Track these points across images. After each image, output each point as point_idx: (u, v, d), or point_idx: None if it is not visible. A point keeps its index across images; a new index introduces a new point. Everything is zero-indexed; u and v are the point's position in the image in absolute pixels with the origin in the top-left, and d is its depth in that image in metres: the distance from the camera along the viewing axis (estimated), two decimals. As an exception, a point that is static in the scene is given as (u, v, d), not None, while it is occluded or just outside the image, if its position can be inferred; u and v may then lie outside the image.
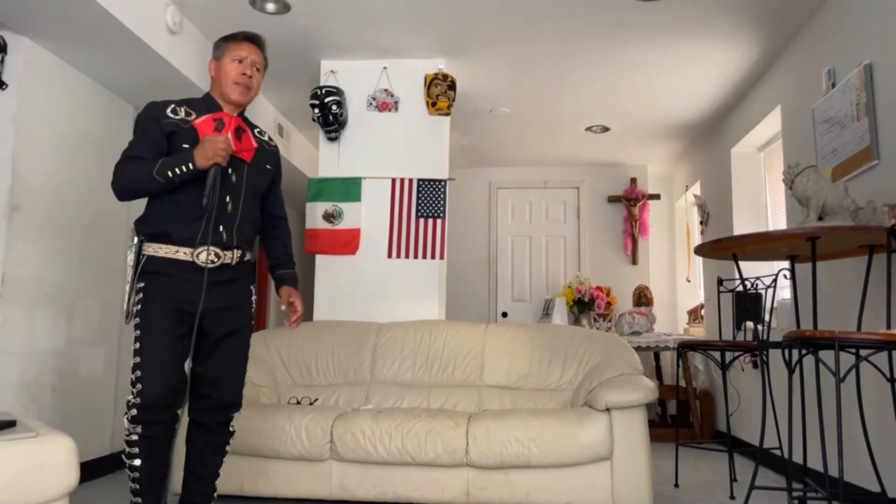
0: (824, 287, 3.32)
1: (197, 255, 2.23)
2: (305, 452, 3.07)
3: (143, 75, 3.71)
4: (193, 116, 2.30)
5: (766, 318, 3.39)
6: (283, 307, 2.49)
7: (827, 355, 2.53)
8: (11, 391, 3.18)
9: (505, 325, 3.90)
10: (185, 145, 2.23)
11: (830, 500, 2.43)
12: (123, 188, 2.23)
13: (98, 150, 3.84)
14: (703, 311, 5.90)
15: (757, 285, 3.47)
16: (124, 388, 4.08)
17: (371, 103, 4.33)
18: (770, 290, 3.35)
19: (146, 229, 2.24)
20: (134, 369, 2.16)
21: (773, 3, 3.54)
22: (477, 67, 4.41)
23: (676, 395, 4.38)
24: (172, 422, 2.21)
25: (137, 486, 2.15)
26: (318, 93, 4.13)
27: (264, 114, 5.00)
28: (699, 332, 5.87)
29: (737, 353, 3.71)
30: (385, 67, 4.35)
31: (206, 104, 2.37)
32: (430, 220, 4.19)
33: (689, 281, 6.55)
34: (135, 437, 2.14)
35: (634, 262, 6.59)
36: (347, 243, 4.20)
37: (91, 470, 3.68)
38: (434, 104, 4.24)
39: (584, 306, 6.10)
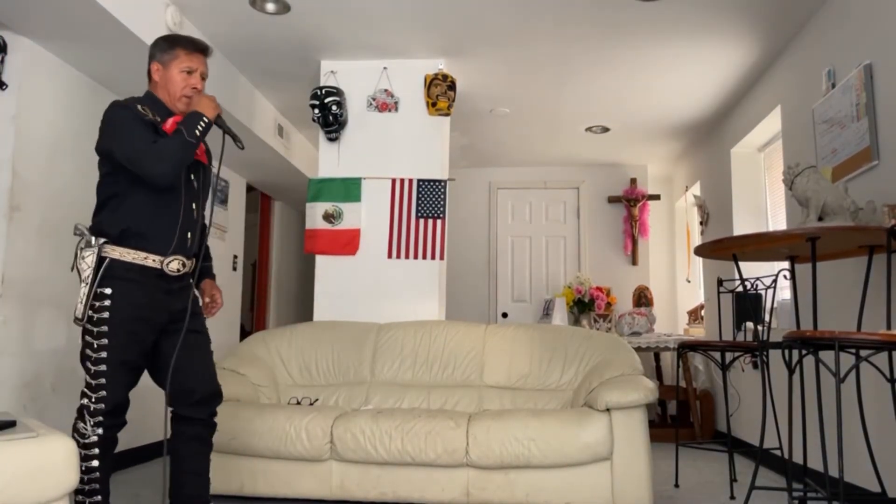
0: (824, 287, 3.32)
1: (167, 265, 2.23)
2: (305, 452, 3.07)
3: (142, 75, 3.68)
4: (158, 119, 2.30)
5: (766, 318, 3.39)
6: (207, 300, 2.51)
7: (827, 356, 2.53)
8: (11, 391, 3.18)
9: (505, 325, 3.90)
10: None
11: (830, 500, 2.43)
12: (172, 166, 2.17)
13: (98, 151, 3.84)
14: (703, 312, 5.90)
15: (757, 286, 3.48)
16: (124, 389, 4.08)
17: (371, 103, 4.33)
18: (770, 291, 3.35)
19: (112, 231, 2.18)
20: (97, 376, 2.13)
21: (773, 3, 3.54)
22: (477, 67, 4.42)
23: (676, 396, 4.38)
24: (125, 422, 2.25)
25: (97, 486, 2.15)
26: (318, 93, 4.13)
27: (264, 114, 5.00)
28: (699, 333, 5.87)
29: (737, 354, 3.71)
30: (385, 67, 4.35)
31: (159, 107, 2.33)
32: (430, 221, 4.19)
33: (689, 281, 6.55)
34: (94, 439, 2.14)
35: (634, 262, 6.59)
36: (347, 243, 4.20)
37: (91, 470, 3.68)
38: (434, 104, 4.24)
39: (584, 307, 6.10)
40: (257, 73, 4.55)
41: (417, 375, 3.71)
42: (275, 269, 6.87)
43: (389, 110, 4.32)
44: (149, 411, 4.38)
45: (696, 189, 6.08)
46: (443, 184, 4.23)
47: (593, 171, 6.77)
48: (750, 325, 4.09)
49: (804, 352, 2.38)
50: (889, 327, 2.42)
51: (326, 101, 4.11)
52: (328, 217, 4.24)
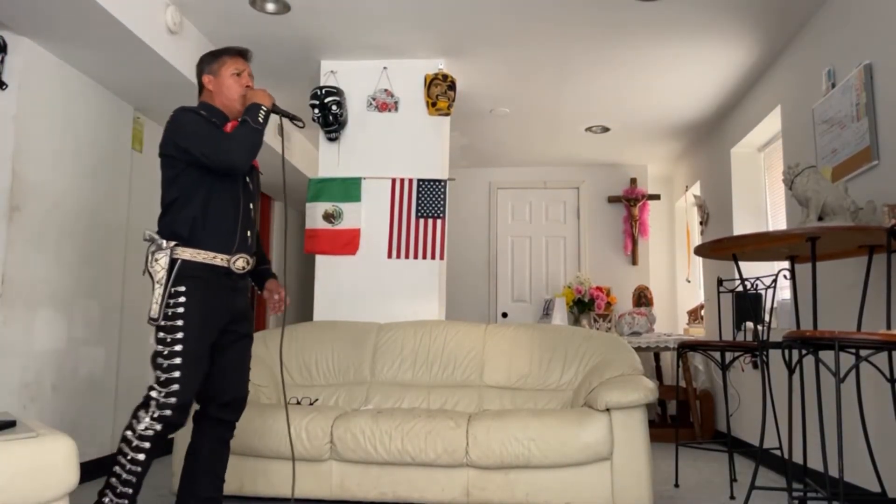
0: (824, 287, 3.32)
1: (234, 262, 2.33)
2: (305, 452, 3.07)
3: (142, 75, 3.71)
4: (217, 123, 2.40)
5: (766, 318, 3.39)
6: (276, 298, 2.61)
7: (827, 355, 2.53)
8: (11, 391, 3.18)
9: (505, 325, 3.90)
10: None
11: (830, 500, 2.43)
12: (246, 152, 2.29)
13: (98, 151, 3.84)
14: (703, 312, 5.90)
15: (757, 285, 3.48)
16: (124, 388, 4.09)
17: (371, 103, 4.33)
18: (770, 291, 3.35)
19: (182, 232, 2.28)
20: (171, 369, 2.21)
21: (773, 3, 3.54)
22: (477, 67, 4.42)
23: (676, 396, 4.38)
24: (184, 425, 2.30)
25: (133, 479, 2.18)
26: (318, 93, 4.13)
27: (264, 114, 4.99)
28: (699, 333, 5.87)
29: (737, 354, 3.71)
30: (385, 67, 4.35)
31: (217, 114, 2.45)
32: (430, 221, 4.19)
33: (689, 281, 6.55)
34: (151, 433, 2.19)
35: (634, 262, 6.59)
36: (347, 243, 4.20)
37: (91, 470, 3.68)
38: (434, 104, 4.24)
39: (584, 307, 6.10)
40: (257, 73, 4.54)
41: (417, 375, 3.71)
42: (275, 269, 6.87)
43: (389, 110, 4.32)
44: (149, 411, 4.38)
45: (696, 189, 6.08)
46: (443, 184, 4.23)
47: (593, 171, 6.77)
48: (750, 324, 4.09)
49: (804, 352, 2.38)
50: (889, 327, 2.42)
51: (326, 100, 4.11)
52: (328, 217, 4.24)
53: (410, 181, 4.23)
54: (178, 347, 2.22)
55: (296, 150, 5.79)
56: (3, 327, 3.13)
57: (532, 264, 6.75)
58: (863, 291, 2.64)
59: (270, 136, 5.12)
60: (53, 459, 1.69)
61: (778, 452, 3.79)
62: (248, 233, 2.40)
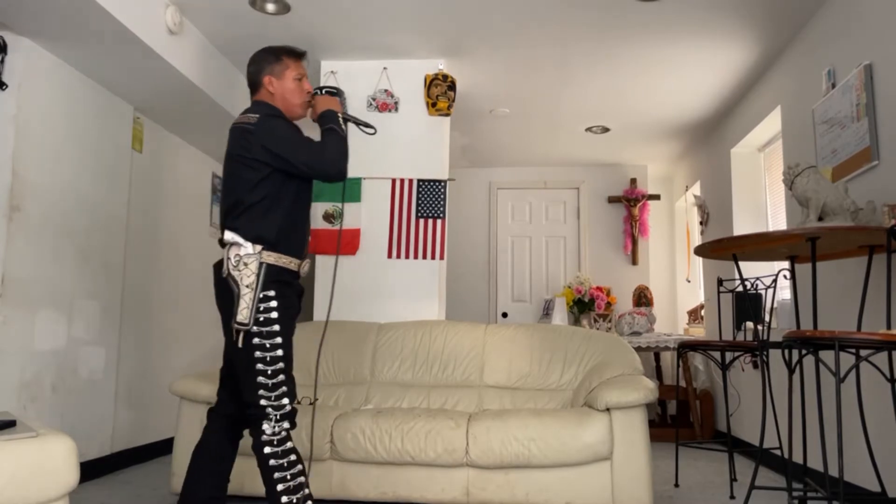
0: (824, 287, 3.32)
1: (302, 267, 2.38)
2: (305, 452, 3.07)
3: (142, 75, 3.71)
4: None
5: (766, 318, 3.40)
6: None
7: (827, 355, 2.53)
8: (11, 391, 3.18)
9: (505, 325, 3.90)
10: None
11: (830, 500, 2.43)
12: (345, 161, 2.33)
13: (98, 150, 3.84)
14: (703, 312, 5.90)
15: (757, 285, 3.48)
16: (124, 388, 4.09)
17: (371, 103, 4.33)
18: (770, 291, 3.35)
19: (269, 236, 2.26)
20: (275, 375, 2.21)
21: (773, 3, 3.54)
22: (477, 67, 4.42)
23: (676, 395, 4.38)
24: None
25: (302, 479, 2.21)
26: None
27: (264, 114, 4.99)
28: (699, 333, 5.87)
29: (737, 354, 3.71)
30: (385, 68, 4.35)
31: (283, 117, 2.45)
32: (430, 221, 4.19)
33: (689, 281, 6.55)
34: (284, 434, 2.22)
35: (634, 262, 6.59)
36: (347, 243, 4.21)
37: (91, 470, 3.68)
38: (434, 104, 4.24)
39: (584, 306, 6.10)
40: (257, 73, 4.54)
41: (417, 375, 3.71)
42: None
43: (389, 110, 4.32)
44: (148, 412, 4.40)
45: (696, 189, 6.08)
46: (443, 184, 4.23)
47: (593, 171, 6.77)
48: (750, 324, 4.09)
49: (804, 352, 2.38)
50: (889, 327, 2.42)
51: (326, 101, 4.11)
52: (328, 217, 4.24)
53: (410, 181, 4.23)
54: (280, 353, 2.22)
55: (296, 150, 5.79)
56: (3, 327, 3.13)
57: (532, 264, 6.75)
58: (863, 291, 2.64)
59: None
60: (53, 459, 1.69)
61: (778, 452, 3.79)
62: (308, 239, 2.47)
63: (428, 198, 4.21)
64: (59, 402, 3.50)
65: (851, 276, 3.15)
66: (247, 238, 2.24)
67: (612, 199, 6.68)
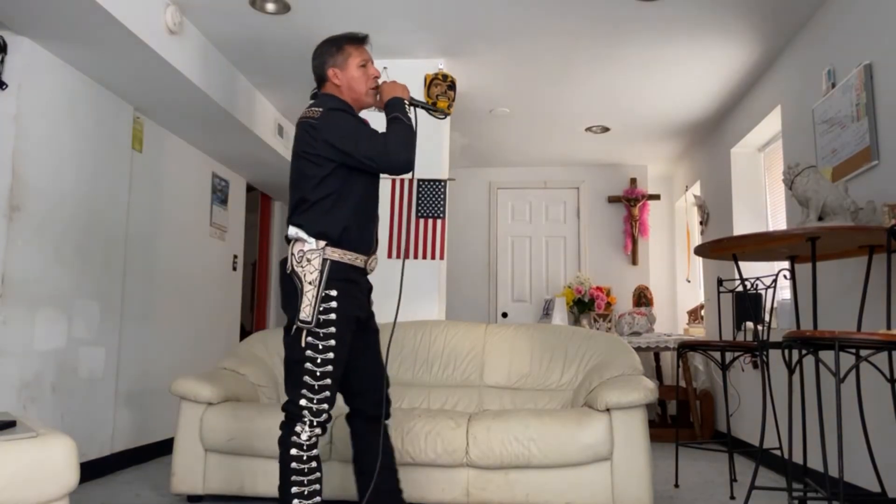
0: (824, 287, 3.32)
1: (370, 264, 2.33)
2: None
3: (143, 75, 3.71)
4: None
5: (766, 318, 3.39)
6: None
7: (827, 355, 2.53)
8: (11, 391, 3.18)
9: (505, 325, 3.90)
10: None
11: (830, 501, 2.43)
12: (411, 152, 2.24)
13: (98, 151, 3.84)
14: (703, 312, 5.90)
15: (757, 285, 3.47)
16: (124, 388, 4.09)
17: (371, 103, 4.32)
18: (770, 291, 3.35)
19: (333, 233, 2.20)
20: (322, 377, 2.15)
21: (773, 3, 3.54)
22: (477, 67, 4.41)
23: (676, 396, 4.38)
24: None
25: (317, 487, 2.18)
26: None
27: (264, 114, 5.00)
28: (699, 333, 5.87)
29: (737, 354, 3.70)
30: (385, 67, 4.34)
31: (350, 110, 2.36)
32: (430, 221, 4.19)
33: (689, 281, 6.55)
34: (314, 440, 2.19)
35: (634, 262, 6.59)
36: (347, 243, 4.20)
37: (91, 470, 3.68)
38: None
39: (584, 306, 6.10)
40: (257, 73, 4.55)
41: (417, 375, 3.71)
42: (275, 269, 6.87)
43: (389, 110, 4.31)
44: (148, 412, 4.39)
45: (696, 189, 6.08)
46: (443, 184, 4.23)
47: (593, 171, 6.77)
48: (750, 324, 4.09)
49: (804, 352, 2.38)
50: (889, 327, 2.42)
51: (326, 101, 4.10)
52: (328, 217, 4.24)
53: (410, 181, 4.23)
54: (331, 355, 2.16)
55: (296, 150, 5.79)
56: (3, 327, 3.13)
57: (532, 264, 6.75)
58: (863, 291, 2.64)
59: (271, 136, 5.13)
60: (53, 459, 1.69)
61: (778, 452, 3.79)
62: (376, 235, 2.41)
63: (428, 198, 4.21)
64: (59, 402, 3.50)
65: (851, 276, 3.15)
66: (310, 234, 2.19)
67: (612, 199, 6.68)
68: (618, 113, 5.26)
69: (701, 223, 5.83)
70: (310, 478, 2.17)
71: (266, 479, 3.12)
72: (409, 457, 2.98)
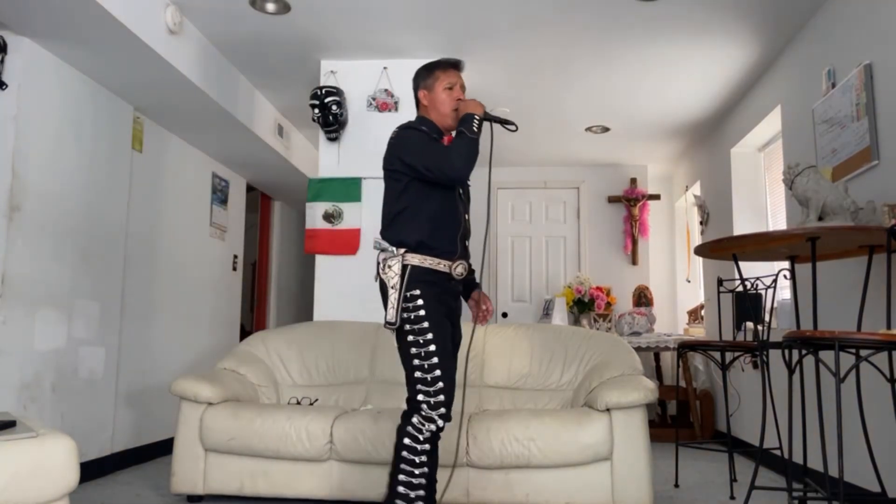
0: (824, 287, 3.32)
1: (454, 269, 2.40)
2: (305, 452, 3.07)
3: (143, 75, 3.71)
4: (435, 137, 2.49)
5: (766, 318, 3.39)
6: (483, 308, 2.62)
7: (827, 356, 2.53)
8: (11, 391, 3.18)
9: (505, 325, 3.89)
10: None
11: (830, 500, 2.43)
12: (466, 161, 2.34)
13: (98, 151, 3.84)
14: (703, 312, 5.90)
15: (757, 285, 3.47)
16: (124, 388, 4.09)
17: (371, 103, 4.33)
18: (770, 291, 3.35)
19: (410, 241, 2.36)
20: (432, 369, 2.27)
21: (773, 3, 3.54)
22: (477, 67, 4.41)
23: (676, 396, 4.38)
24: (451, 419, 2.35)
25: (424, 482, 2.25)
26: (318, 93, 4.13)
27: (264, 114, 5.00)
28: (699, 333, 5.87)
29: (737, 354, 3.70)
30: (385, 67, 4.35)
31: (433, 128, 2.51)
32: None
33: (689, 281, 6.55)
34: (428, 435, 2.26)
35: (634, 262, 6.59)
36: (347, 243, 4.20)
37: (91, 470, 3.68)
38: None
39: (584, 306, 6.10)
40: (257, 73, 4.55)
41: (417, 375, 3.71)
42: (275, 269, 6.87)
43: (389, 110, 4.32)
44: (148, 412, 4.39)
45: (696, 189, 6.08)
46: (443, 184, 4.22)
47: (593, 171, 6.77)
48: (750, 325, 4.09)
49: (804, 352, 2.38)
50: (889, 327, 2.42)
51: (326, 100, 4.11)
52: (328, 217, 4.24)
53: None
54: (433, 347, 2.28)
55: (296, 150, 5.80)
56: (3, 327, 3.13)
57: (532, 264, 6.75)
58: (863, 291, 2.64)
59: (271, 136, 5.13)
60: (53, 459, 1.69)
61: (778, 452, 3.79)
62: (466, 241, 2.50)
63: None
64: (59, 402, 3.50)
65: (851, 276, 3.15)
66: (392, 243, 2.39)
67: (612, 199, 6.68)
68: (618, 113, 5.26)
69: (701, 223, 5.83)
70: (419, 470, 2.25)
71: (266, 478, 3.13)
72: (409, 457, 2.98)
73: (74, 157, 3.65)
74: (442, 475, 2.74)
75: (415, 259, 2.35)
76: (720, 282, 3.87)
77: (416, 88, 2.58)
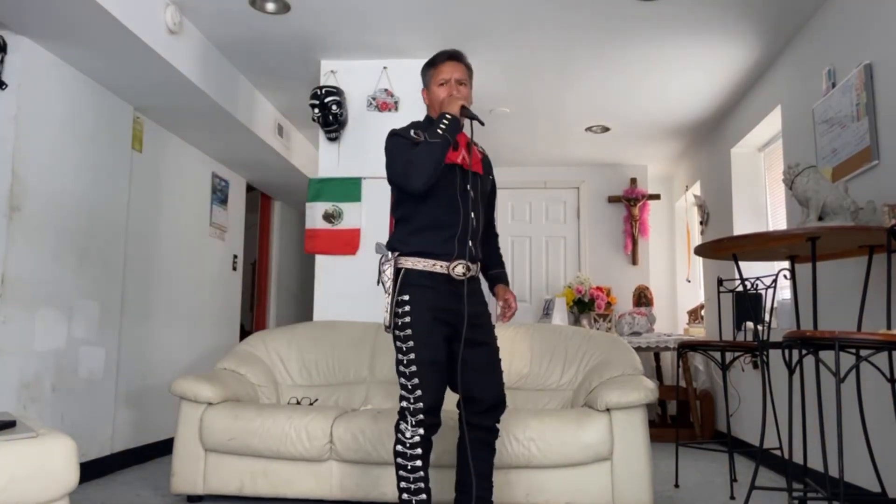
0: (824, 287, 3.32)
1: (453, 269, 2.35)
2: (305, 452, 3.07)
3: (142, 75, 3.71)
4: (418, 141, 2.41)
5: (766, 318, 3.39)
6: (500, 304, 2.60)
7: (827, 356, 2.53)
8: (11, 391, 3.18)
9: (504, 325, 3.89)
10: None
11: (830, 501, 2.43)
12: (420, 174, 2.27)
13: (98, 151, 3.84)
14: (703, 312, 5.90)
15: (757, 285, 3.47)
16: (124, 388, 4.09)
17: (371, 103, 4.32)
18: (770, 291, 3.35)
19: (404, 249, 2.35)
20: (412, 377, 2.27)
21: (773, 3, 3.54)
22: (477, 67, 4.35)
23: (676, 396, 4.38)
24: (440, 423, 2.36)
25: (422, 485, 2.27)
26: (318, 93, 4.13)
27: (264, 114, 5.00)
28: (699, 333, 5.87)
29: (737, 354, 3.70)
30: (385, 67, 4.35)
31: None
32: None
33: (689, 281, 6.55)
34: (417, 439, 2.27)
35: (634, 262, 6.59)
36: (347, 243, 4.20)
37: (91, 470, 3.68)
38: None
39: (584, 306, 6.10)
40: (257, 73, 4.55)
41: (417, 375, 3.71)
42: (275, 269, 6.87)
43: (389, 110, 4.32)
44: (148, 412, 4.39)
45: (696, 189, 6.08)
46: (443, 184, 4.22)
47: (593, 171, 6.77)
48: (750, 325, 4.09)
49: (804, 352, 2.38)
50: (889, 327, 2.42)
51: (326, 100, 4.11)
52: (328, 217, 4.24)
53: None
54: (413, 355, 2.27)
55: (296, 149, 5.79)
56: (3, 327, 3.13)
57: (532, 264, 6.75)
58: (863, 291, 2.64)
59: (271, 136, 5.13)
60: (53, 459, 1.69)
61: (778, 452, 3.79)
62: (470, 242, 2.38)
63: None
64: (59, 402, 3.50)
65: (851, 276, 3.15)
66: (388, 247, 2.40)
67: (612, 199, 6.68)
68: (618, 113, 5.26)
69: (701, 223, 5.83)
70: (414, 475, 2.26)
71: (266, 478, 3.13)
72: (409, 457, 2.98)
73: (74, 157, 3.65)
74: (445, 475, 2.74)
75: (408, 262, 2.33)
76: (720, 282, 3.87)
77: (422, 90, 2.57)
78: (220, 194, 5.43)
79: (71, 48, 3.38)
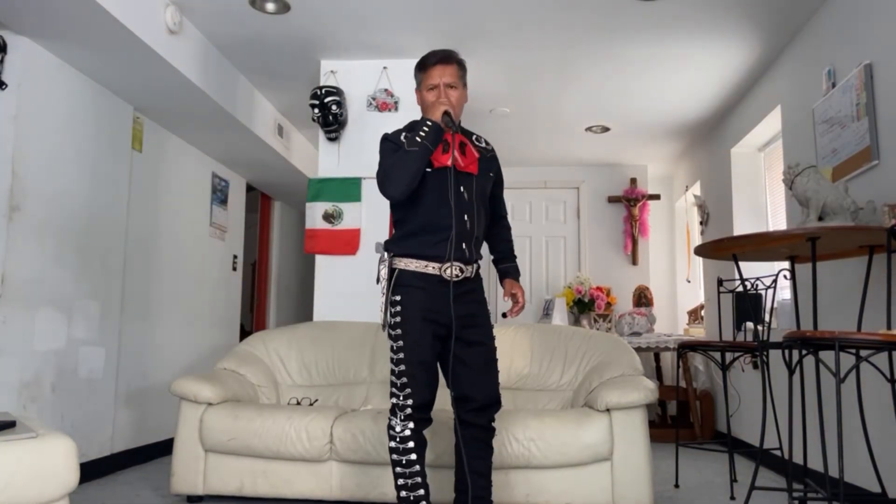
0: (824, 287, 3.32)
1: (444, 271, 2.35)
2: (305, 453, 3.07)
3: (142, 75, 3.71)
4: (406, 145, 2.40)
5: (766, 318, 3.39)
6: (507, 298, 2.60)
7: (827, 356, 2.53)
8: (11, 391, 3.18)
9: (505, 325, 3.89)
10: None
11: (831, 501, 2.43)
12: (396, 181, 2.30)
13: (98, 151, 3.84)
14: (703, 312, 5.90)
15: (757, 286, 3.47)
16: (124, 388, 4.09)
17: (371, 103, 4.32)
18: (770, 291, 3.35)
19: (398, 251, 2.38)
20: (401, 375, 2.31)
21: (773, 3, 3.54)
22: (477, 67, 4.41)
23: (676, 396, 4.38)
24: (431, 420, 2.40)
25: (419, 480, 2.30)
26: (318, 93, 4.13)
27: (264, 114, 5.00)
28: (699, 333, 5.87)
29: (737, 354, 3.70)
30: (385, 67, 4.35)
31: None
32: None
33: (689, 281, 6.55)
34: (408, 433, 2.30)
35: (634, 262, 6.59)
36: (347, 243, 4.20)
37: (91, 470, 3.68)
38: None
39: (584, 307, 6.10)
40: (257, 73, 4.55)
41: (417, 375, 3.71)
42: (275, 269, 6.87)
43: (389, 110, 4.32)
44: (148, 413, 4.39)
45: (696, 189, 6.08)
46: (443, 184, 4.22)
47: (593, 171, 6.77)
48: (750, 325, 4.09)
49: (804, 352, 2.38)
50: (889, 327, 2.42)
51: (326, 100, 4.11)
52: (328, 217, 4.24)
53: (410, 181, 4.23)
54: (402, 355, 2.31)
55: (296, 149, 5.79)
56: (3, 327, 3.13)
57: (532, 264, 6.75)
58: (863, 291, 2.64)
59: (271, 136, 5.13)
60: (53, 459, 1.69)
61: (778, 453, 3.79)
62: (464, 244, 2.37)
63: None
64: (59, 402, 3.50)
65: (851, 276, 3.15)
66: (384, 248, 2.42)
67: (612, 199, 6.68)
68: (618, 113, 5.26)
69: (701, 223, 5.83)
70: (410, 469, 2.30)
71: (266, 479, 3.13)
72: (409, 457, 2.98)
73: (74, 157, 3.64)
74: (445, 476, 2.75)
75: (401, 263, 2.36)
76: (720, 282, 3.87)
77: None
78: (220, 194, 5.42)
79: (71, 48, 3.38)
